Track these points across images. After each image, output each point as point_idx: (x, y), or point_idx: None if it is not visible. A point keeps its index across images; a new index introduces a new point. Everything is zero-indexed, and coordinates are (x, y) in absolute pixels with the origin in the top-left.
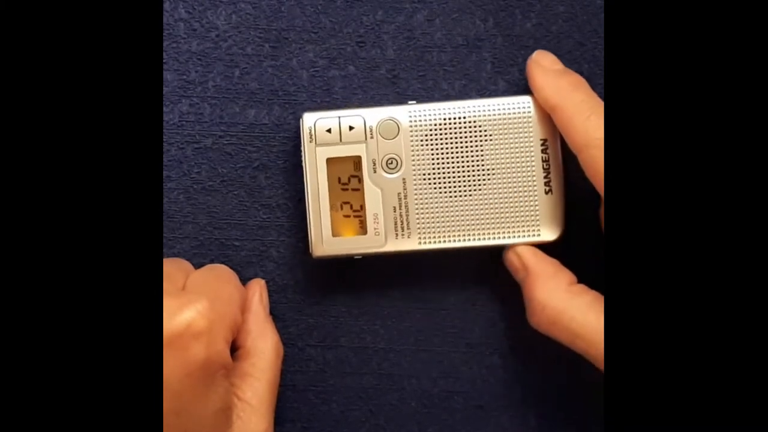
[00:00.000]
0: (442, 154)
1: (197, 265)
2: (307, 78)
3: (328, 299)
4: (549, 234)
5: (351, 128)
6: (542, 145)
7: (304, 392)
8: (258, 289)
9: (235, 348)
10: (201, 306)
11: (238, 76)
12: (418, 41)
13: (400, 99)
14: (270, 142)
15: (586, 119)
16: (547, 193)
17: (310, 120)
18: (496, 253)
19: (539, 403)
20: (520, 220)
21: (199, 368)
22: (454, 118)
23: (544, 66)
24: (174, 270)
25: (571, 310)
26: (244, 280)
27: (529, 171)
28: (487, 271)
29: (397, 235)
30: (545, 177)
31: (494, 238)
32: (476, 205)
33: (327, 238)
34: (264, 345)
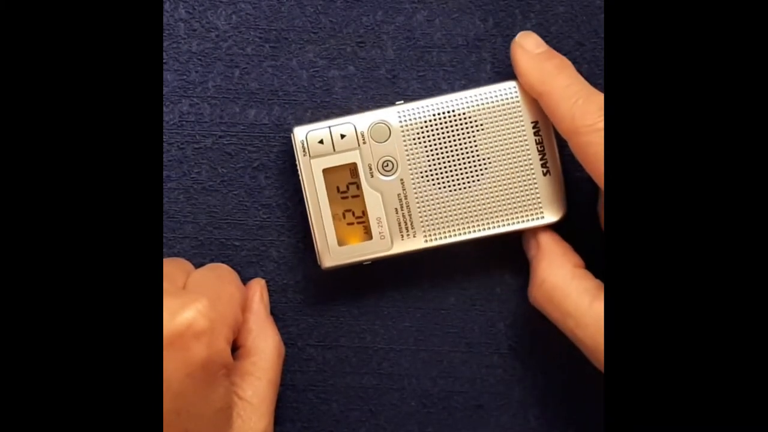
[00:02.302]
0: (436, 149)
1: (197, 265)
2: (307, 78)
3: (328, 299)
4: (552, 215)
5: (342, 136)
6: (534, 127)
7: (304, 392)
8: (258, 288)
9: (235, 347)
10: (202, 305)
11: (238, 76)
12: (418, 41)
13: (400, 100)
14: (270, 142)
15: (573, 105)
16: (545, 174)
17: (301, 133)
18: (496, 254)
19: (539, 403)
20: (522, 205)
21: (200, 368)
22: (443, 113)
23: (527, 49)
24: (174, 270)
25: (568, 288)
26: (244, 280)
27: (524, 155)
28: (487, 271)
29: (402, 236)
30: (541, 159)
31: (499, 226)
32: (477, 196)
33: (333, 248)
34: (265, 344)
